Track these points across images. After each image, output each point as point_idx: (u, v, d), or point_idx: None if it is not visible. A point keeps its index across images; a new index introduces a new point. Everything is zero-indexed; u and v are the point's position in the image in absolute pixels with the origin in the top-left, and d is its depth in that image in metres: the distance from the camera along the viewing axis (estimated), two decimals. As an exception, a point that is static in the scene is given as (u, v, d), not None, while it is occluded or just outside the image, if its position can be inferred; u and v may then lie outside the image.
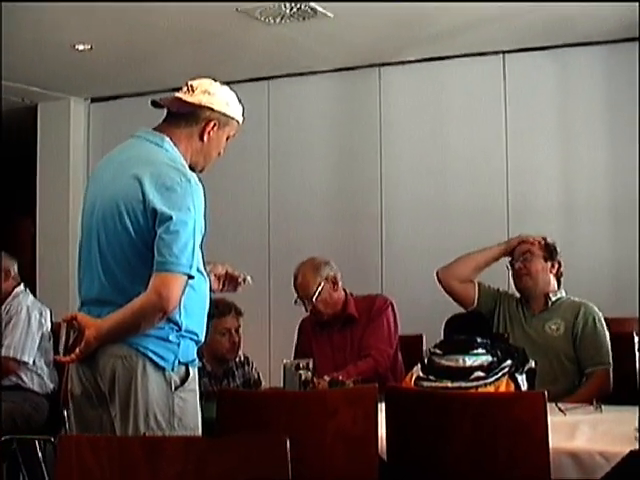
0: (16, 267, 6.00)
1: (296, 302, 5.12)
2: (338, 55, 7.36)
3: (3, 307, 5.80)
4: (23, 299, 5.85)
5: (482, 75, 7.35)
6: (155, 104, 3.45)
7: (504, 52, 7.24)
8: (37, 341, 5.72)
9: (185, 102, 3.41)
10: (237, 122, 3.52)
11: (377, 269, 7.58)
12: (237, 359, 5.29)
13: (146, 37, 6.81)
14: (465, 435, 3.18)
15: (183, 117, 3.41)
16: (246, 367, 5.32)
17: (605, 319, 5.35)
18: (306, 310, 5.09)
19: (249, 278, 3.76)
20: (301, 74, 7.82)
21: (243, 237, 8.00)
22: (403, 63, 7.53)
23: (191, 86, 3.43)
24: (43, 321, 5.79)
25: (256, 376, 5.33)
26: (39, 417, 5.59)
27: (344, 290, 5.20)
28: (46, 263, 8.21)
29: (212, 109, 3.41)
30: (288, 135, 7.98)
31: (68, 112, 8.55)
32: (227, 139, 3.53)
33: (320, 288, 5.03)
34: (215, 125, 3.42)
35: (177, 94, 3.44)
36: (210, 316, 4.85)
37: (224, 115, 3.44)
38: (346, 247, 7.44)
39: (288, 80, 7.92)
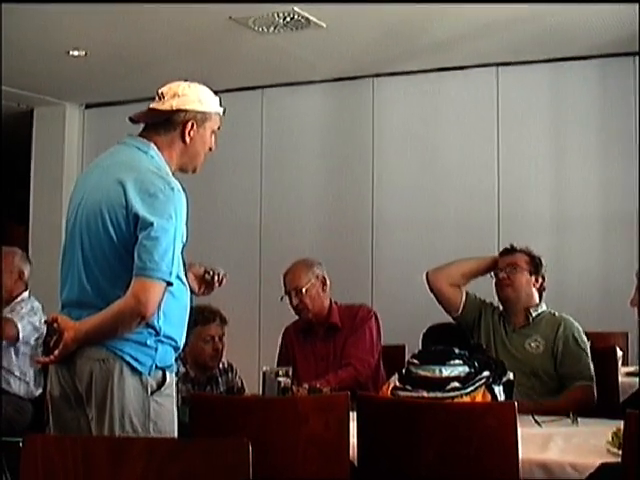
0: (29, 271, 5.98)
1: (282, 298, 5.12)
2: (331, 65, 7.40)
3: (7, 308, 5.75)
4: (30, 302, 5.82)
5: (476, 87, 7.39)
6: (132, 120, 3.48)
7: (498, 64, 7.27)
8: (34, 335, 5.69)
9: (158, 111, 3.42)
10: (217, 114, 3.51)
11: (367, 279, 7.61)
12: (221, 366, 5.30)
13: (140, 44, 6.86)
14: (435, 444, 3.18)
15: (161, 125, 3.42)
16: (230, 374, 5.33)
17: (594, 333, 5.36)
18: (292, 304, 5.08)
19: (222, 273, 3.74)
20: (294, 84, 7.86)
21: (235, 245, 8.04)
22: (397, 74, 7.57)
23: (161, 93, 3.44)
24: (39, 325, 5.75)
25: (239, 383, 5.34)
26: (23, 420, 5.58)
27: (330, 299, 5.21)
28: (38, 268, 8.20)
29: (185, 110, 3.41)
30: (281, 144, 8.02)
31: (63, 118, 8.61)
32: (213, 134, 3.52)
33: (309, 283, 5.04)
34: (193, 124, 3.42)
35: (151, 105, 3.47)
36: (195, 323, 4.91)
37: (199, 112, 3.43)
38: (337, 257, 7.45)
39: (282, 90, 7.96)
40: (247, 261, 7.95)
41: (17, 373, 5.67)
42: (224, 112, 3.55)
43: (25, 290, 5.94)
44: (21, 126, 8.70)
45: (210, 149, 3.53)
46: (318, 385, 4.46)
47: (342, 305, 5.24)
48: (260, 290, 7.86)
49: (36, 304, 5.82)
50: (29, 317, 5.68)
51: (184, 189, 3.32)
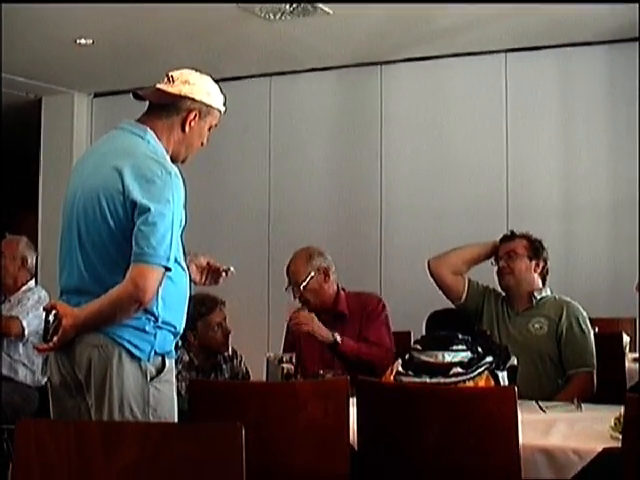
0: (35, 259, 5.97)
1: (287, 289, 5.11)
2: (339, 52, 7.38)
3: (13, 298, 5.78)
4: (37, 291, 5.81)
5: (483, 74, 7.38)
6: (136, 96, 3.46)
7: (506, 51, 7.26)
8: (42, 326, 5.67)
9: (165, 93, 3.40)
10: (219, 111, 3.50)
11: (376, 266, 7.60)
12: (225, 353, 5.30)
13: (147, 33, 6.87)
14: (435, 429, 3.17)
15: (164, 108, 3.40)
16: (234, 361, 5.32)
17: (601, 319, 5.33)
18: (295, 298, 5.07)
19: (232, 269, 3.73)
20: (302, 71, 7.85)
21: (243, 233, 8.06)
22: (404, 61, 7.56)
23: (171, 77, 3.42)
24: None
25: (244, 370, 5.33)
26: (29, 408, 5.58)
27: (337, 286, 5.17)
28: (48, 258, 8.22)
29: (192, 99, 3.39)
30: (289, 132, 8.02)
31: (71, 107, 8.63)
32: (209, 129, 3.51)
33: (310, 277, 4.98)
34: (196, 115, 3.40)
35: (158, 85, 3.45)
36: (200, 314, 4.91)
37: (205, 105, 3.42)
38: (345, 244, 7.46)
39: (290, 77, 7.96)
40: (256, 248, 7.96)
41: (24, 361, 5.68)
42: (226, 110, 3.54)
43: (31, 279, 5.93)
44: (30, 115, 8.71)
45: (202, 144, 3.51)
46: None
47: (350, 292, 5.20)
48: (269, 278, 7.85)
49: (43, 294, 5.80)
50: (35, 310, 5.65)
51: (188, 177, 3.30)
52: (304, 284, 4.98)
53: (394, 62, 7.60)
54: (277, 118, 8.05)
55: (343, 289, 5.19)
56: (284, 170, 8.02)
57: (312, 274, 5.00)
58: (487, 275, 4.96)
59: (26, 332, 5.58)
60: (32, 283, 5.92)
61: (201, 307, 5.00)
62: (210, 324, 5.16)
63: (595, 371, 4.57)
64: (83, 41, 7.00)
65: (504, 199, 7.21)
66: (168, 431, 2.44)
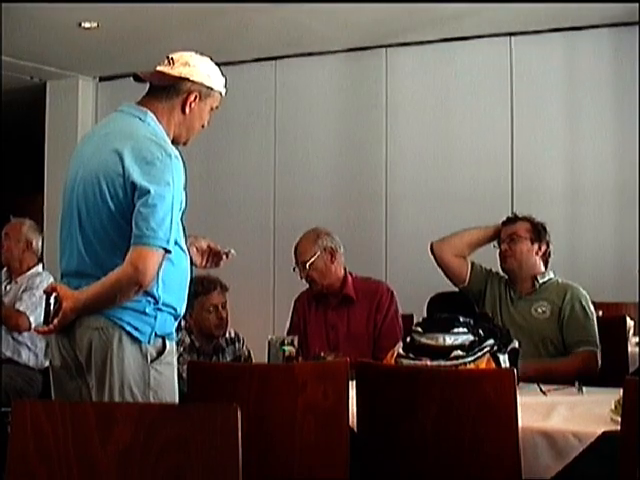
0: (40, 242, 5.95)
1: (294, 269, 5.11)
2: (344, 36, 7.36)
3: (20, 280, 5.79)
4: (45, 278, 5.78)
5: (489, 57, 7.36)
6: (137, 78, 3.46)
7: (511, 34, 7.23)
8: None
9: (165, 75, 3.40)
10: (219, 94, 3.50)
11: (381, 251, 7.60)
12: (228, 336, 5.31)
13: (152, 16, 6.84)
14: (434, 411, 3.17)
15: (164, 90, 3.40)
16: (237, 344, 5.33)
17: (605, 303, 5.31)
18: (301, 278, 5.07)
19: (233, 251, 3.73)
20: (307, 55, 7.83)
21: (248, 217, 8.07)
22: (410, 45, 7.54)
23: (172, 59, 3.42)
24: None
25: (246, 353, 5.34)
26: (32, 391, 5.59)
27: (345, 269, 5.17)
28: (53, 241, 8.23)
29: (193, 81, 3.39)
30: (294, 116, 8.01)
31: (77, 90, 8.64)
32: (210, 111, 3.51)
33: (315, 256, 5.00)
34: (196, 97, 3.40)
35: (158, 67, 3.44)
36: (196, 293, 4.91)
37: (205, 87, 3.42)
38: (350, 229, 7.44)
39: (295, 61, 7.94)
40: (261, 232, 7.98)
41: (28, 344, 5.69)
42: (227, 92, 3.53)
43: (38, 262, 5.92)
44: (35, 99, 8.70)
45: (203, 126, 3.51)
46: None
47: (358, 277, 5.20)
48: (274, 261, 7.86)
49: (51, 280, 5.79)
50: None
51: (193, 160, 3.30)
52: (309, 262, 4.99)
53: (399, 45, 7.58)
54: (282, 102, 8.04)
55: (350, 273, 5.19)
56: (289, 154, 8.02)
57: (318, 253, 5.01)
58: (490, 258, 4.95)
59: (33, 326, 5.56)
60: (39, 267, 5.91)
61: (198, 286, 5.00)
62: (204, 305, 5.17)
63: (599, 351, 4.54)
64: (88, 24, 6.98)
65: (509, 183, 7.20)
66: (163, 412, 2.44)
